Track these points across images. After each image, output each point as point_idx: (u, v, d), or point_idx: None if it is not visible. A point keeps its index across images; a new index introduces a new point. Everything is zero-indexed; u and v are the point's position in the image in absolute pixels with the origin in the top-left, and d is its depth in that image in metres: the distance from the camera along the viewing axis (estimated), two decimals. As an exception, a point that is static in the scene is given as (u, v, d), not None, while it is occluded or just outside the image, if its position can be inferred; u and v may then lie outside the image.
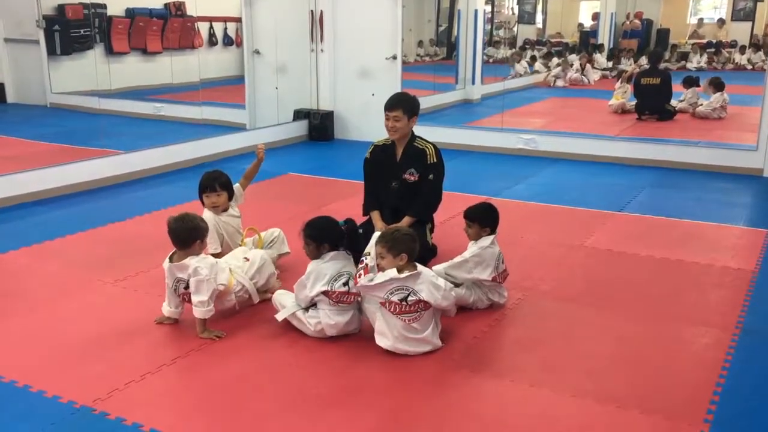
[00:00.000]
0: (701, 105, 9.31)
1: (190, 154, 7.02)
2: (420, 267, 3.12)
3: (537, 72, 12.71)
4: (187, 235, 3.25)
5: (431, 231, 4.30)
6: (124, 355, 3.10)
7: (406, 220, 4.06)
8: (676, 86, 9.48)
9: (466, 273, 3.54)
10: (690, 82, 9.65)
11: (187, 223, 3.26)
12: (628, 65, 11.36)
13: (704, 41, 14.07)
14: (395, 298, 3.06)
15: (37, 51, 9.49)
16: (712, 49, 13.79)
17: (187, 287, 3.24)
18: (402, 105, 4.15)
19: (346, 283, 3.20)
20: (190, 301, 3.27)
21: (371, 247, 3.29)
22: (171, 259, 3.29)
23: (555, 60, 12.88)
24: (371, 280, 3.10)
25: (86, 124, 8.64)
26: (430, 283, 3.09)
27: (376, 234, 3.36)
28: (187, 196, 5.22)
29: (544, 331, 3.39)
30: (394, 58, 8.10)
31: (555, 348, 3.22)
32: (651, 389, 2.86)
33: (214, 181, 4.01)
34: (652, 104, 9.17)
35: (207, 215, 3.88)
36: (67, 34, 9.45)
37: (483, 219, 3.61)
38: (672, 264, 4.31)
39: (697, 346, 3.25)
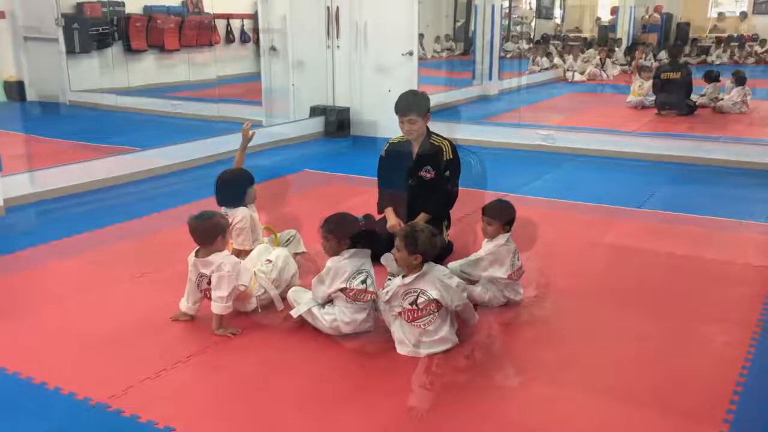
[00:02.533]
0: (722, 99, 9.19)
1: (207, 151, 7.02)
2: (427, 266, 3.09)
3: (555, 67, 12.63)
4: (208, 232, 3.27)
5: (448, 228, 4.27)
6: (140, 352, 3.12)
7: (421, 217, 4.03)
8: (697, 81, 9.36)
9: (481, 271, 3.52)
10: (711, 76, 9.53)
11: (206, 221, 3.28)
12: (646, 61, 11.23)
13: (725, 35, 13.88)
14: (406, 304, 3.05)
15: (56, 49, 9.58)
16: (734, 43, 13.60)
17: (209, 283, 3.26)
18: (417, 108, 4.12)
19: (364, 281, 3.19)
20: (211, 297, 3.28)
21: (395, 269, 3.25)
22: (197, 255, 3.31)
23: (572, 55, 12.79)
24: (387, 293, 3.11)
25: (104, 121, 8.72)
26: (439, 281, 3.06)
27: (387, 255, 3.33)
28: (204, 193, 5.20)
29: (560, 329, 3.36)
30: (411, 53, 8.07)
31: (572, 346, 3.19)
32: (670, 388, 2.82)
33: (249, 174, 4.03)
34: (673, 99, 9.07)
35: (244, 212, 3.86)
36: (85, 33, 9.54)
37: (504, 217, 3.57)
38: (692, 261, 4.25)
39: (717, 344, 3.20)
